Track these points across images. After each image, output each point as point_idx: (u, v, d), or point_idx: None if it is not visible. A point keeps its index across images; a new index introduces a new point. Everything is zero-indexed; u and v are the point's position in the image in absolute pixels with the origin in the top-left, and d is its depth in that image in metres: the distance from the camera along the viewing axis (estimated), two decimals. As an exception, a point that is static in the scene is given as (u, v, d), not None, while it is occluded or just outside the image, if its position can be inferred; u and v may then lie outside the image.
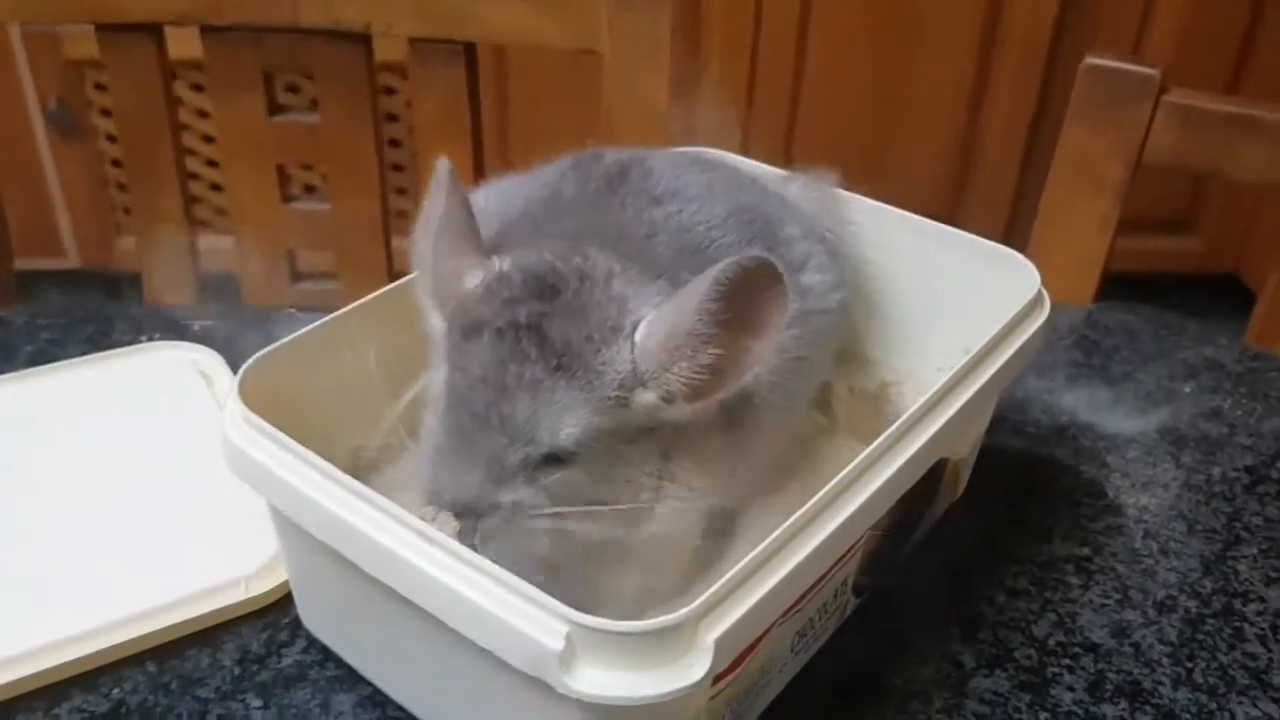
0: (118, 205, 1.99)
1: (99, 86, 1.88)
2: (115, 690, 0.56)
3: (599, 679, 0.42)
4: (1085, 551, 0.66)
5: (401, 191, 1.99)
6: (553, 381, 0.47)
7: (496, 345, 0.48)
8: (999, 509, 0.68)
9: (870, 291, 0.70)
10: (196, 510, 0.63)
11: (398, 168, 1.98)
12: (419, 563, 0.45)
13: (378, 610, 0.49)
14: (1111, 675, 0.59)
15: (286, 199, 1.07)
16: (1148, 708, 0.57)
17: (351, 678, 0.57)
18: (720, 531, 0.58)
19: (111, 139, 1.92)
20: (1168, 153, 0.84)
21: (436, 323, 0.52)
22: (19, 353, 0.77)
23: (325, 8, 0.98)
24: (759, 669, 0.51)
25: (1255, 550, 0.66)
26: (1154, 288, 2.02)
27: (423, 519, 0.46)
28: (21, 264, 2.03)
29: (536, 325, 0.48)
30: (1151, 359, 0.82)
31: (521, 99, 1.86)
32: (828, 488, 0.47)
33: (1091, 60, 0.84)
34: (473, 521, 0.47)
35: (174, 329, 0.80)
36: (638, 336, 0.48)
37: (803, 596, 0.50)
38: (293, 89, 1.71)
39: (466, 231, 0.51)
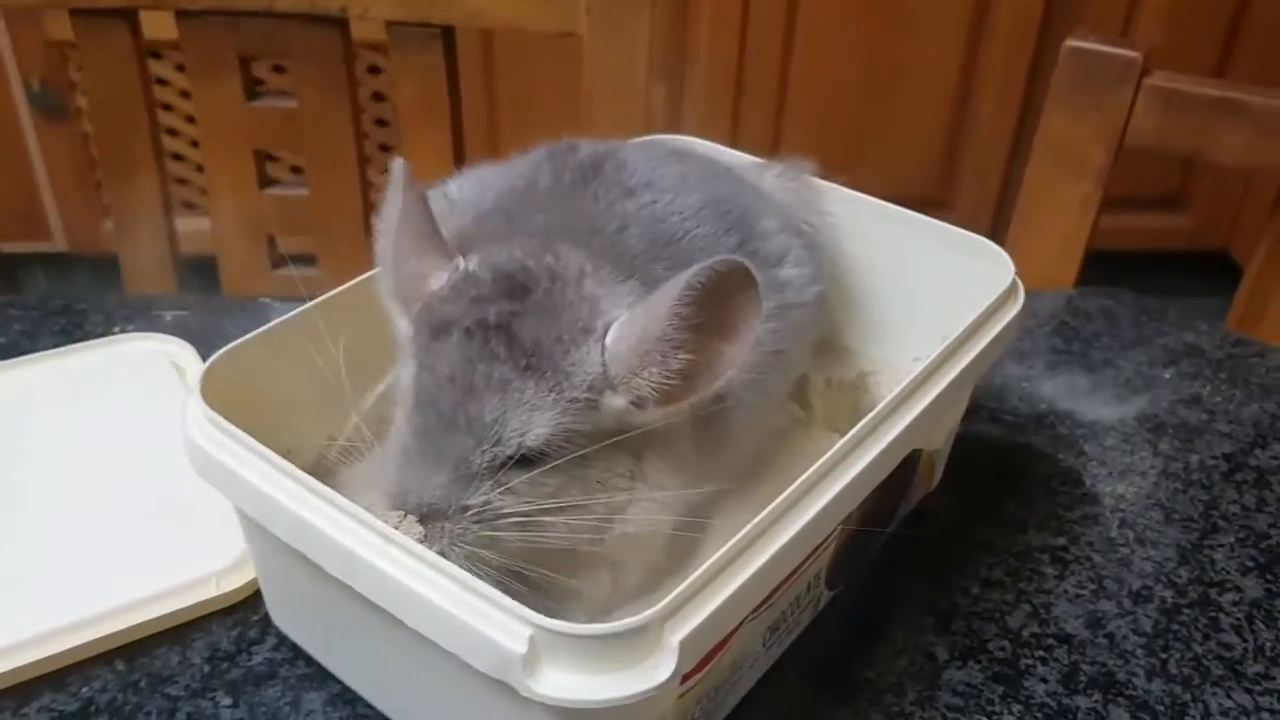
0: (104, 187, 1.98)
1: (83, 68, 1.86)
2: (84, 689, 0.55)
3: (563, 682, 0.41)
4: (1061, 541, 0.65)
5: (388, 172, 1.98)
6: (521, 382, 0.47)
7: (465, 345, 0.47)
8: (975, 499, 0.68)
9: (847, 282, 0.69)
10: (167, 505, 0.63)
11: (385, 147, 1.97)
12: (381, 565, 0.44)
13: (343, 611, 0.49)
14: (1085, 667, 0.58)
15: (265, 184, 1.07)
16: (1121, 699, 0.57)
17: (322, 675, 0.56)
18: (692, 527, 0.57)
19: (96, 121, 1.91)
20: (1149, 136, 0.83)
21: (402, 325, 0.51)
22: (-9, 345, 0.77)
23: (301, -9, 0.97)
24: (730, 665, 0.51)
25: (1232, 539, 0.66)
26: (1144, 265, 2.03)
27: (387, 522, 0.46)
28: (8, 248, 2.03)
29: (506, 325, 0.47)
30: (1131, 345, 0.81)
31: (508, 84, 1.85)
32: (793, 486, 0.47)
33: (1072, 43, 0.83)
34: (439, 526, 0.46)
35: (147, 319, 0.79)
36: (608, 340, 0.48)
37: (773, 592, 0.50)
38: (278, 68, 1.70)
39: (427, 231, 0.51)
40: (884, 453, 0.51)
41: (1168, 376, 0.78)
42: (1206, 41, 1.89)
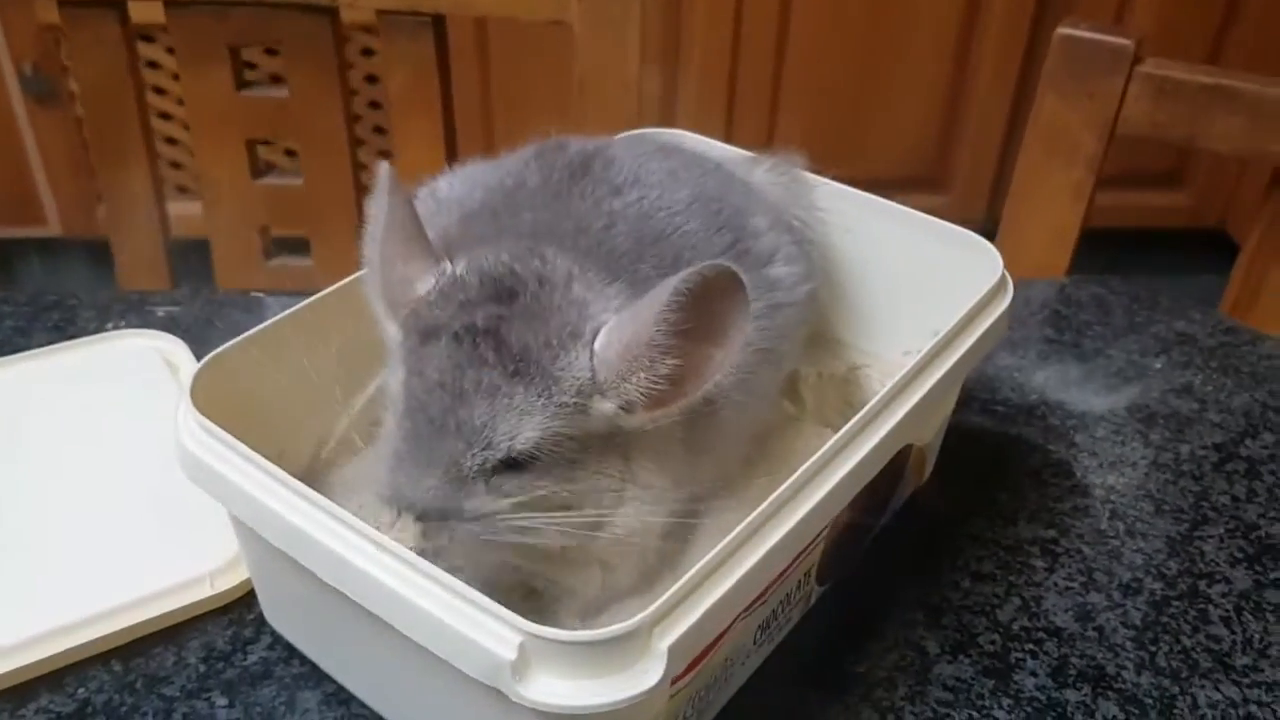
0: (97, 177, 1.97)
1: (72, 59, 1.86)
2: (81, 690, 0.56)
3: (552, 687, 0.42)
4: (1051, 534, 0.66)
5: (385, 154, 1.98)
6: (510, 387, 0.47)
7: (454, 349, 0.47)
8: (966, 491, 0.68)
9: (838, 275, 0.69)
10: (161, 504, 0.63)
11: (379, 130, 1.97)
12: (373, 571, 0.45)
13: (336, 614, 0.49)
14: (1075, 660, 0.59)
15: (257, 174, 1.06)
16: (1110, 693, 0.57)
17: (316, 674, 0.57)
18: (683, 525, 0.58)
19: (89, 106, 1.90)
20: (1142, 123, 0.83)
21: (390, 329, 0.51)
22: (-17, 342, 0.77)
23: (290, -20, 0.96)
24: (721, 663, 0.51)
25: (1221, 530, 0.66)
26: (1141, 243, 2.03)
27: (379, 525, 0.46)
28: (2, 233, 2.02)
29: (494, 329, 0.47)
30: (1123, 333, 0.81)
31: (502, 73, 1.84)
32: (782, 488, 0.47)
33: (1064, 31, 0.83)
34: (433, 526, 0.47)
35: (140, 315, 0.79)
36: (597, 345, 0.48)
37: (764, 592, 0.50)
38: (270, 50, 1.69)
39: (413, 235, 0.51)
40: (873, 452, 0.52)
41: (1159, 366, 0.79)
42: (1199, 29, 1.89)
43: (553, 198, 0.58)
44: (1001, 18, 1.85)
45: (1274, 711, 0.57)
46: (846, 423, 0.51)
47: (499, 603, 0.42)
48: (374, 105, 1.94)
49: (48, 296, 0.81)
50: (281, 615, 0.58)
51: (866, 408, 0.52)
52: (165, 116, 1.94)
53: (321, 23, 0.99)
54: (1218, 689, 0.58)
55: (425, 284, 0.50)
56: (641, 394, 0.47)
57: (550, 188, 0.58)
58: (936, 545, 0.65)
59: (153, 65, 1.88)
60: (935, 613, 0.61)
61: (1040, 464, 0.71)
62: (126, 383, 0.72)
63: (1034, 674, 0.58)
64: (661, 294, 0.46)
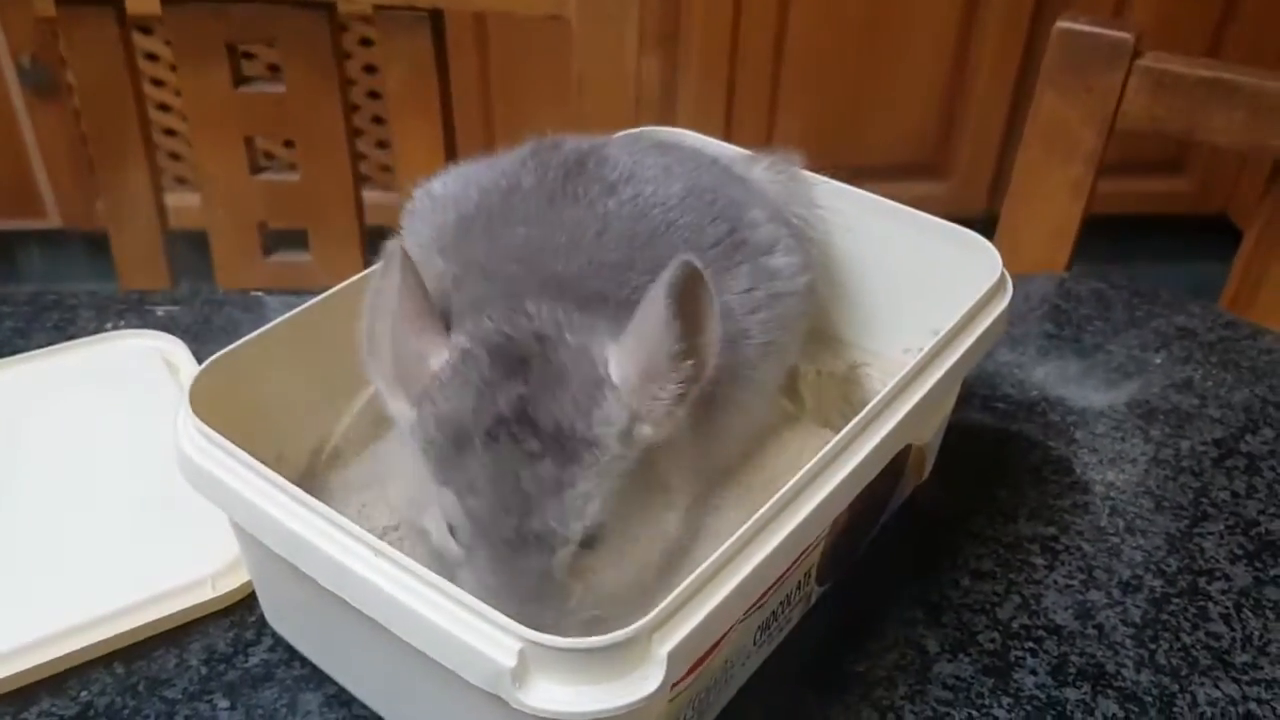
0: (95, 174, 1.97)
1: (69, 56, 1.85)
2: (83, 693, 0.56)
3: (553, 694, 0.42)
4: (1051, 531, 0.66)
5: (382, 145, 1.97)
6: (567, 474, 0.46)
7: (495, 452, 0.46)
8: (966, 489, 0.68)
9: (838, 274, 0.69)
10: (162, 506, 0.63)
11: (378, 120, 1.96)
12: (372, 578, 0.45)
13: (336, 618, 0.49)
14: (1074, 658, 0.59)
15: (255, 170, 1.06)
16: (1110, 690, 0.57)
17: (318, 676, 0.57)
18: (688, 524, 0.58)
19: (87, 97, 1.89)
20: (1142, 118, 0.83)
21: (401, 407, 0.50)
22: (-17, 343, 0.77)
23: (287, -24, 0.96)
24: (721, 665, 0.52)
25: (1221, 526, 0.67)
26: (1144, 229, 2.03)
27: None
28: (2, 226, 2.02)
29: (523, 414, 0.47)
30: (1123, 328, 0.81)
31: (501, 67, 1.84)
32: (781, 493, 0.47)
33: (1063, 24, 0.82)
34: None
35: (139, 315, 0.79)
36: (615, 378, 0.48)
37: (763, 594, 0.50)
38: (269, 43, 1.68)
39: (425, 310, 0.49)
40: (872, 454, 0.52)
41: (1159, 361, 0.79)
42: (1198, 22, 1.89)
43: (547, 201, 0.58)
44: (1002, 4, 1.84)
45: (1273, 709, 0.57)
46: (846, 421, 0.52)
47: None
48: (373, 95, 1.94)
49: (47, 297, 0.81)
50: (282, 618, 0.58)
51: (865, 410, 0.52)
52: (164, 108, 1.94)
53: (319, 19, 0.98)
54: (1217, 686, 0.58)
55: (437, 358, 0.49)
56: (667, 404, 0.48)
57: (545, 190, 0.58)
58: (936, 543, 0.65)
59: (151, 57, 1.88)
60: (935, 611, 0.61)
61: (1040, 461, 0.71)
62: (126, 384, 0.72)
63: (1034, 672, 0.58)
64: (658, 305, 0.46)
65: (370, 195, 1.13)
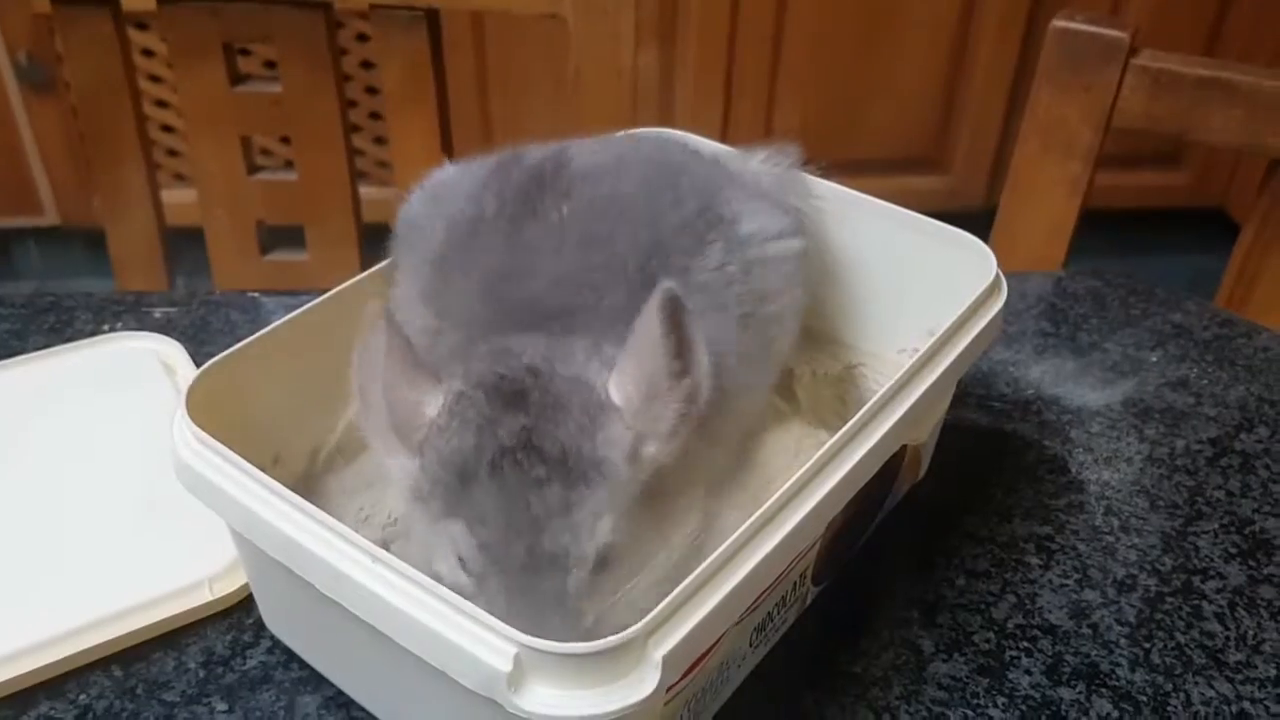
0: (91, 174, 1.97)
1: (65, 57, 1.85)
2: (82, 696, 0.56)
3: (548, 698, 0.42)
4: (1046, 530, 0.66)
5: (380, 140, 1.97)
6: (575, 494, 0.46)
7: (501, 481, 0.46)
8: (961, 488, 0.69)
9: (833, 274, 0.69)
10: (159, 508, 0.63)
11: (376, 115, 1.96)
12: (368, 583, 0.45)
13: (333, 622, 0.50)
14: (1069, 657, 0.59)
15: (252, 169, 1.06)
16: (1104, 690, 0.58)
17: (316, 679, 0.57)
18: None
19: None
20: (1138, 116, 0.83)
21: (400, 459, 0.49)
22: (-20, 345, 0.77)
23: (283, -25, 0.96)
24: (717, 666, 0.52)
25: (1216, 525, 0.67)
26: (1141, 223, 2.03)
27: None
28: (0, 223, 2.02)
29: (526, 442, 0.46)
30: (1119, 327, 0.81)
31: (499, 65, 1.84)
32: (776, 495, 0.47)
33: (1059, 23, 0.82)
34: None
35: (136, 316, 0.79)
36: (618, 401, 0.48)
37: (759, 597, 0.50)
38: (265, 42, 1.68)
39: (414, 361, 0.49)
40: (867, 457, 0.52)
41: (1155, 359, 0.79)
42: (1194, 20, 1.89)
43: (509, 225, 0.57)
44: (999, 13, 1.84)
45: (1267, 708, 0.57)
46: (842, 421, 0.52)
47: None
48: (370, 91, 1.94)
49: (44, 298, 0.81)
50: (280, 621, 0.58)
51: (860, 413, 0.52)
52: (162, 104, 1.94)
53: (315, 18, 0.98)
54: (1211, 685, 0.58)
55: (433, 405, 0.49)
56: (671, 424, 0.48)
57: (506, 214, 0.58)
58: (932, 543, 0.65)
59: (148, 53, 1.87)
60: (930, 611, 0.61)
61: (1035, 460, 0.71)
62: (123, 386, 0.72)
63: (1029, 672, 0.58)
64: (651, 326, 0.47)
65: (368, 191, 1.13)
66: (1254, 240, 0.89)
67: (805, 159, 0.69)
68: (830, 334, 0.71)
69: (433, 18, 0.99)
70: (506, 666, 0.42)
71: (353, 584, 0.45)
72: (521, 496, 0.46)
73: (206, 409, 0.52)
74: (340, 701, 0.56)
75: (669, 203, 0.59)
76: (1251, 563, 0.65)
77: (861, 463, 0.51)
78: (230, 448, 0.50)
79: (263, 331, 0.57)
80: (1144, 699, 0.57)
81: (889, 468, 0.58)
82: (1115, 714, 0.56)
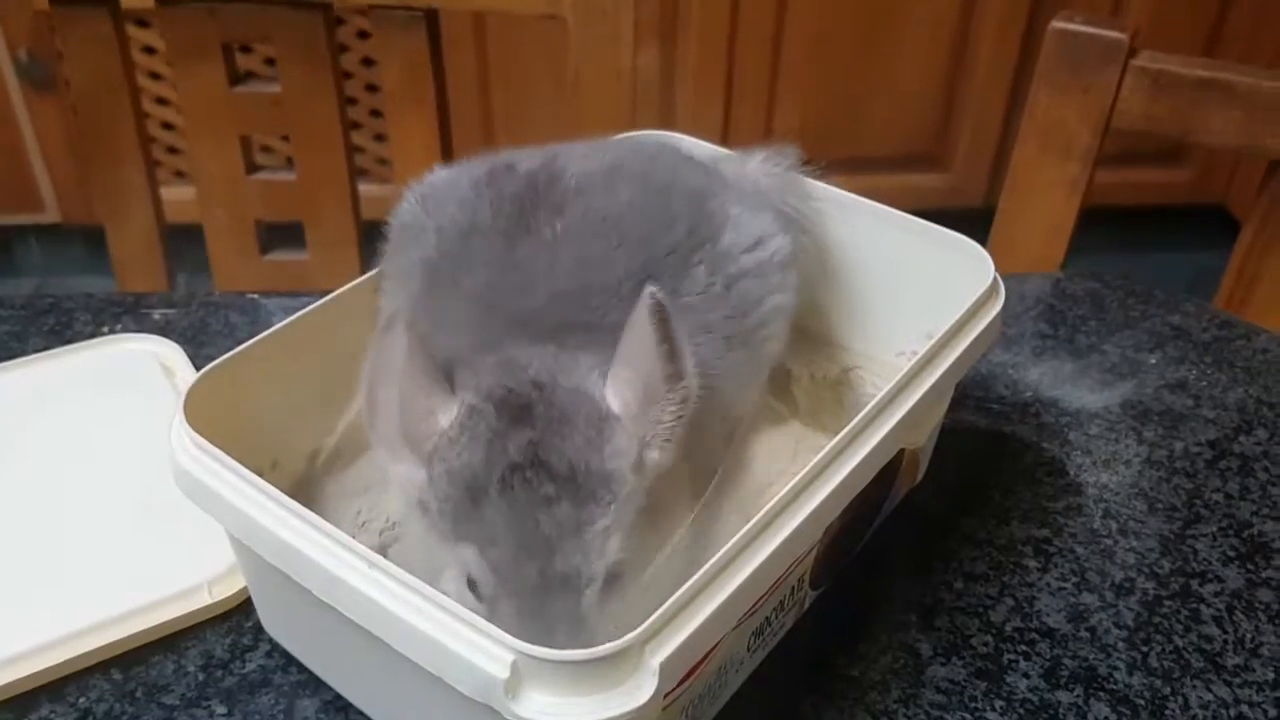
0: (91, 173, 1.96)
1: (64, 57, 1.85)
2: (82, 699, 0.56)
3: (546, 705, 0.42)
4: (1044, 533, 0.66)
5: (380, 138, 1.97)
6: (585, 512, 0.46)
7: (511, 500, 0.46)
8: (959, 491, 0.69)
9: (831, 277, 0.69)
10: (158, 511, 0.63)
11: (376, 113, 1.96)
12: (366, 589, 0.45)
13: (331, 627, 0.50)
14: (1067, 661, 0.59)
15: (251, 169, 1.06)
16: (1102, 694, 0.58)
17: (314, 682, 0.57)
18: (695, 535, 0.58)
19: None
20: (1137, 118, 0.83)
21: (408, 469, 0.49)
22: (-21, 347, 0.77)
23: (282, -24, 0.96)
24: (715, 671, 0.52)
25: (1214, 528, 0.67)
26: (1142, 220, 2.03)
27: None
28: (1, 220, 2.02)
29: (535, 459, 0.46)
30: (1118, 328, 0.81)
31: (500, 66, 1.84)
32: (774, 501, 0.47)
33: (1058, 24, 0.82)
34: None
35: (135, 318, 0.79)
36: (617, 410, 0.48)
37: (757, 602, 0.50)
38: (264, 43, 1.68)
39: (432, 370, 0.49)
40: (865, 461, 0.52)
41: (1154, 361, 0.79)
42: (1194, 21, 1.89)
43: (503, 240, 0.57)
44: (1000, 11, 1.84)
45: (1265, 711, 0.57)
46: (839, 424, 0.52)
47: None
48: (371, 88, 1.93)
49: (44, 300, 0.81)
50: (279, 625, 0.58)
51: (858, 417, 0.52)
52: (162, 101, 1.94)
53: (314, 18, 0.98)
54: (1209, 689, 0.58)
55: (446, 416, 0.49)
56: (669, 427, 0.48)
57: (499, 228, 0.58)
58: (930, 546, 0.65)
59: (149, 50, 1.87)
60: (928, 614, 0.61)
61: (1034, 463, 0.71)
62: (123, 388, 0.72)
63: (1026, 675, 0.58)
64: (643, 332, 0.47)
65: (368, 188, 1.14)
66: (1253, 241, 0.89)
67: (805, 160, 0.69)
68: (828, 336, 0.71)
69: (432, 18, 0.99)
70: (504, 673, 0.42)
71: (350, 590, 0.45)
72: (531, 516, 0.46)
73: (205, 413, 0.52)
74: (339, 705, 0.56)
75: (659, 224, 0.59)
76: (1250, 566, 0.65)
77: (859, 467, 0.51)
78: (228, 452, 0.50)
79: (261, 335, 0.57)
80: (1142, 702, 0.57)
81: (887, 471, 0.58)
82: (1113, 717, 0.56)
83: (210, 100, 1.02)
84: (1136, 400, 0.75)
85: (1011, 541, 0.66)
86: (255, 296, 0.82)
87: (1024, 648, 0.60)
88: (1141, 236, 2.06)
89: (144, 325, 0.79)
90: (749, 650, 0.55)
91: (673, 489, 0.52)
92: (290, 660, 0.58)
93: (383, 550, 0.59)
